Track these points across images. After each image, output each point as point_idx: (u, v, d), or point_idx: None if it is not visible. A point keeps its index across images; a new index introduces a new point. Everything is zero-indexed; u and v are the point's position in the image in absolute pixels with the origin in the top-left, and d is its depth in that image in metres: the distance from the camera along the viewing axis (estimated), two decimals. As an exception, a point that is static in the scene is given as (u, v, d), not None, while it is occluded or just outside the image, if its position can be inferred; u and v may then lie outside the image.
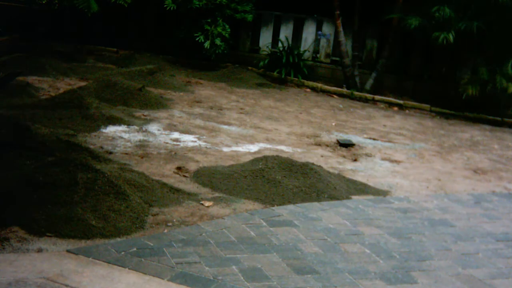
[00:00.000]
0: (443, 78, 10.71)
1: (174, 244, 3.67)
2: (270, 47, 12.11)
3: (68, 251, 3.42)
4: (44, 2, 12.43)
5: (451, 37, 9.45)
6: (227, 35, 11.12)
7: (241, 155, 5.97)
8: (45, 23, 12.35)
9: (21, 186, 4.03)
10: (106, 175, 4.18)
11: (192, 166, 5.41)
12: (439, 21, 9.68)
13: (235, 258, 3.60)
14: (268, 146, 6.51)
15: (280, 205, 4.66)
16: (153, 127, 6.62)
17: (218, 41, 10.94)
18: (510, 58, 9.59)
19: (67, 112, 6.32)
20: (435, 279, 3.67)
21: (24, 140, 4.89)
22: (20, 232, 3.57)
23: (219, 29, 10.98)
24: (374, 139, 7.62)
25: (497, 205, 5.46)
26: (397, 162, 6.57)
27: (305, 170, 5.15)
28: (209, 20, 11.15)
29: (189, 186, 4.88)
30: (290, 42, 11.75)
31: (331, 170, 5.72)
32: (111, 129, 6.27)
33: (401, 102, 10.50)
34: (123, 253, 3.47)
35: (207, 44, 10.95)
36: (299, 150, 6.52)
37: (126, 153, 5.52)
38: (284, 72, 11.12)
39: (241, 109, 8.42)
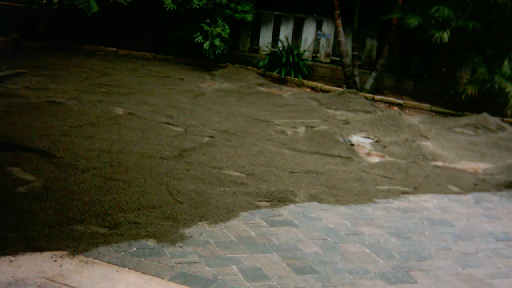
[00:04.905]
0: (443, 78, 10.73)
1: (174, 244, 3.67)
2: (270, 47, 12.11)
3: (68, 251, 3.42)
4: (44, 2, 12.43)
5: (445, 36, 9.47)
6: (226, 35, 11.12)
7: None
8: (45, 23, 12.35)
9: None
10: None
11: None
12: (438, 20, 9.69)
13: (235, 258, 3.60)
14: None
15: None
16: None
17: (217, 42, 10.94)
18: (508, 57, 9.60)
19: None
20: (435, 278, 3.67)
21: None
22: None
23: (218, 29, 10.98)
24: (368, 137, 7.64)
25: (497, 205, 5.47)
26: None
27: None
28: (208, 20, 11.16)
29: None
30: (290, 42, 11.75)
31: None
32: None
33: (401, 102, 10.50)
34: (123, 253, 3.47)
35: (206, 45, 10.95)
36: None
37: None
38: (284, 72, 11.12)
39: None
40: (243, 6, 11.52)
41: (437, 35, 9.55)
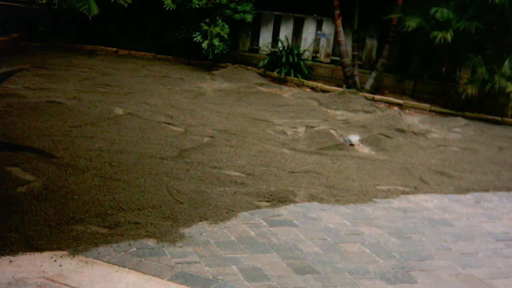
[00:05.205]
0: (443, 78, 10.73)
1: (174, 244, 3.68)
2: (270, 47, 12.11)
3: (68, 251, 3.42)
4: (44, 2, 12.44)
5: (449, 36, 9.47)
6: (225, 35, 11.10)
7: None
8: (45, 23, 12.36)
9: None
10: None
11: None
12: (438, 21, 9.70)
13: (235, 258, 3.60)
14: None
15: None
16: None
17: (216, 42, 10.93)
18: (508, 57, 9.61)
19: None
20: (435, 278, 3.67)
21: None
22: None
23: (217, 29, 10.97)
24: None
25: (497, 204, 5.47)
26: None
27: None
28: (207, 20, 11.15)
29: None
30: (290, 42, 11.75)
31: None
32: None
33: (401, 102, 10.50)
34: (123, 253, 3.47)
35: (204, 45, 10.96)
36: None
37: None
38: (284, 72, 11.12)
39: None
40: (243, 6, 11.52)
41: (440, 35, 9.55)
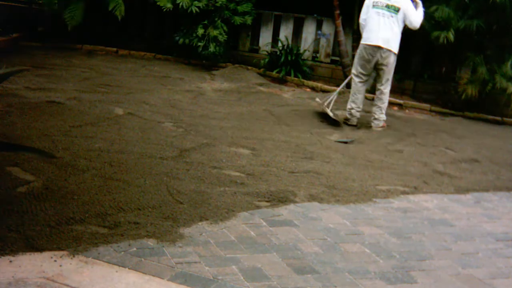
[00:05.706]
0: (443, 78, 10.73)
1: (174, 244, 3.68)
2: (270, 47, 12.11)
3: (68, 251, 3.42)
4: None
5: (451, 35, 9.47)
6: (223, 39, 11.05)
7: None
8: (45, 23, 12.36)
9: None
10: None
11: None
12: (438, 21, 9.70)
13: (235, 258, 3.60)
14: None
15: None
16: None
17: (212, 47, 10.89)
18: (509, 58, 9.61)
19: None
20: (435, 278, 3.67)
21: None
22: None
23: (215, 32, 10.94)
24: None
25: (497, 204, 5.47)
26: (397, 161, 6.57)
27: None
28: (206, 22, 11.12)
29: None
30: (290, 42, 11.76)
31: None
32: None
33: (401, 102, 10.50)
34: (123, 253, 3.47)
35: (199, 49, 10.96)
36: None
37: (126, 153, 5.52)
38: (284, 71, 11.12)
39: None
40: (243, 7, 11.51)
41: (443, 35, 9.54)
